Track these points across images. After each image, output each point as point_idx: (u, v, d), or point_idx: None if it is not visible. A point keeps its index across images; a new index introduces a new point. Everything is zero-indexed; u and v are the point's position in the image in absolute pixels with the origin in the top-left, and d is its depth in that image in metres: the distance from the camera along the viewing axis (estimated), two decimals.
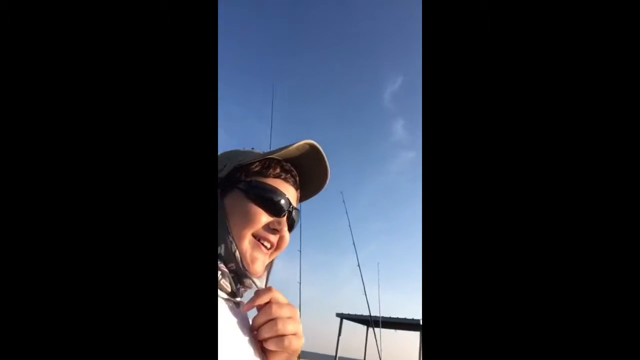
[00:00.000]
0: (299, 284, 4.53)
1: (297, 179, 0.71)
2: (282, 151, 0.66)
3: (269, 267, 0.71)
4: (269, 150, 0.71)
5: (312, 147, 0.68)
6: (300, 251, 4.57)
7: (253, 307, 0.60)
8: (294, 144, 0.66)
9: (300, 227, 4.52)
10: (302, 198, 0.76)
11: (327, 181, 0.74)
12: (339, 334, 18.41)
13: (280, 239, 0.66)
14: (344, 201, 6.00)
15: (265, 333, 0.58)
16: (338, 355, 16.82)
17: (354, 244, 5.78)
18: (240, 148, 0.72)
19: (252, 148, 0.73)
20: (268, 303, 0.59)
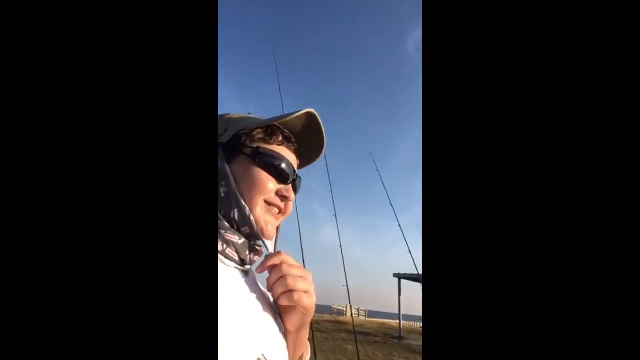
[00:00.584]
0: (339, 247, 4.65)
1: (297, 146, 0.73)
2: (284, 119, 0.66)
3: (277, 231, 0.72)
4: (267, 116, 0.71)
5: (312, 116, 0.69)
6: (336, 215, 4.66)
7: (265, 269, 0.62)
8: (295, 112, 0.66)
9: (332, 190, 4.60)
10: (298, 167, 0.76)
11: (323, 151, 0.75)
12: (399, 294, 18.66)
13: (287, 205, 0.68)
14: (374, 160, 5.95)
15: (276, 289, 0.61)
16: (402, 313, 17.13)
17: (390, 203, 5.80)
18: (234, 113, 0.72)
19: (249, 113, 0.72)
20: (279, 264, 0.62)
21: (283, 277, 0.61)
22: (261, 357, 0.55)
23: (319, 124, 0.70)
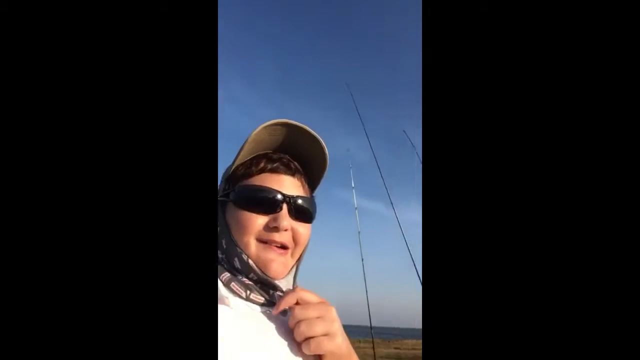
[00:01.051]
0: (358, 234, 4.62)
1: (293, 163, 0.65)
2: (249, 146, 0.61)
3: (296, 265, 0.66)
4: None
5: (286, 125, 0.62)
6: (357, 209, 4.71)
7: (279, 312, 0.57)
8: (257, 128, 0.60)
9: (353, 179, 4.62)
10: (316, 175, 0.69)
11: (325, 149, 0.66)
12: None
13: (293, 234, 0.62)
14: (408, 139, 5.45)
15: (295, 336, 0.56)
16: None
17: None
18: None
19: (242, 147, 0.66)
20: (295, 304, 0.57)
21: (297, 324, 0.56)
22: None
23: (303, 130, 0.63)
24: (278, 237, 0.61)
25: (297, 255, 0.65)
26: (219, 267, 0.61)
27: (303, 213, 0.64)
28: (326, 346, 0.55)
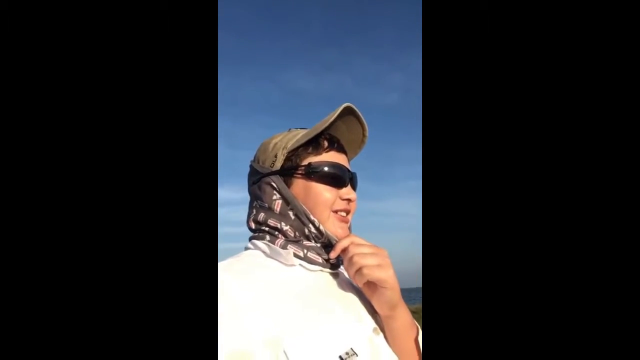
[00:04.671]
0: None
1: (341, 143, 0.75)
2: (327, 125, 0.68)
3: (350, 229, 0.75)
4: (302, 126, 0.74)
5: (348, 109, 0.70)
6: None
7: (337, 253, 0.64)
8: (334, 113, 0.67)
9: None
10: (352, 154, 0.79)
11: (366, 136, 0.76)
12: None
13: (352, 203, 0.71)
14: None
15: (349, 272, 0.62)
16: None
17: None
18: (278, 133, 0.74)
19: (289, 129, 0.75)
20: (348, 246, 0.63)
21: (350, 257, 0.62)
22: (349, 351, 0.56)
23: (358, 115, 0.72)
24: (346, 206, 0.70)
25: (349, 220, 0.74)
26: (268, 236, 0.68)
27: (356, 185, 0.74)
28: (378, 273, 0.60)
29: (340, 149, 0.73)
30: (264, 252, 0.67)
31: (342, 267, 0.70)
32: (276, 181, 0.69)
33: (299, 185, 0.69)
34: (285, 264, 0.64)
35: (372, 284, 0.62)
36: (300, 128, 0.74)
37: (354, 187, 0.72)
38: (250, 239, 0.72)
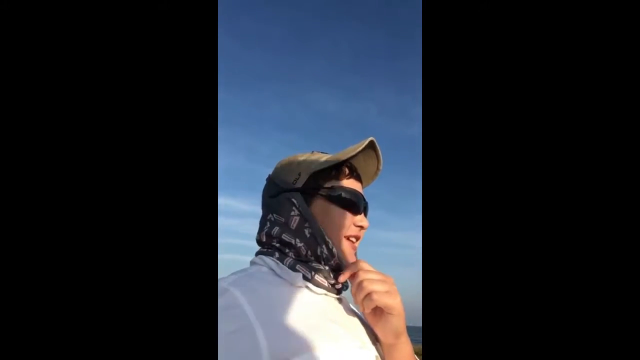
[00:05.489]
0: None
1: (358, 172, 0.78)
2: (351, 154, 0.70)
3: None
4: (327, 152, 0.77)
5: (371, 143, 0.73)
6: None
7: (346, 277, 0.65)
8: (360, 144, 0.70)
9: None
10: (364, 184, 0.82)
11: (379, 172, 0.80)
12: None
13: (362, 231, 0.74)
14: None
15: (357, 297, 0.63)
16: None
17: None
18: (301, 153, 0.78)
19: (312, 151, 0.78)
20: (357, 272, 0.64)
21: (360, 282, 0.62)
22: None
23: (377, 149, 0.75)
24: (359, 233, 0.73)
25: (357, 247, 0.76)
26: (278, 254, 0.69)
27: (366, 214, 0.77)
28: (386, 300, 0.61)
29: (358, 178, 0.76)
30: (271, 269, 0.67)
31: (344, 292, 0.70)
32: (297, 198, 0.70)
33: (318, 206, 0.71)
34: (292, 284, 0.64)
35: (378, 311, 0.63)
36: (322, 152, 0.77)
37: (366, 216, 0.75)
38: (258, 253, 0.72)
